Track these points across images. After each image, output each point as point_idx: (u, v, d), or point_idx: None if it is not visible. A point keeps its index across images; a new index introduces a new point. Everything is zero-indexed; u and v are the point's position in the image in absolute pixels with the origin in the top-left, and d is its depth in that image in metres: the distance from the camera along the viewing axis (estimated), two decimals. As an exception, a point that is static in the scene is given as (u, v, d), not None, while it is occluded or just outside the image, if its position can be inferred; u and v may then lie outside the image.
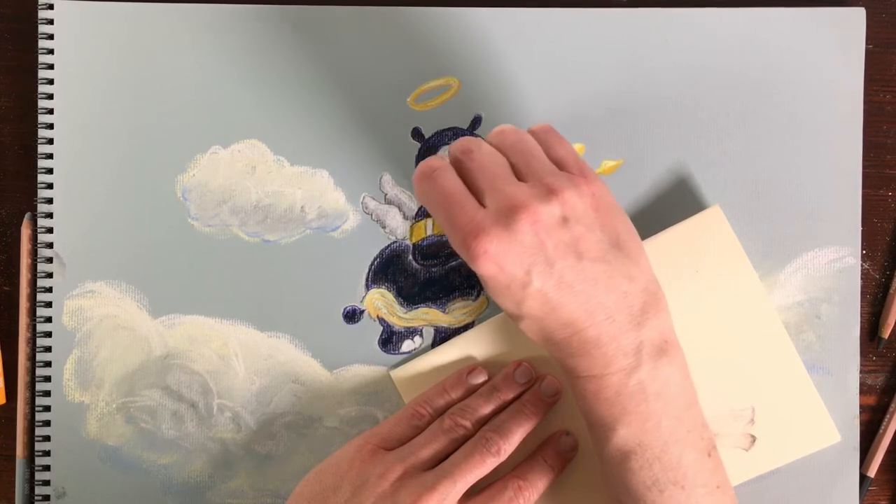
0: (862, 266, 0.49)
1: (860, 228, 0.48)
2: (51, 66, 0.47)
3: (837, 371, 0.48)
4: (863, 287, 0.48)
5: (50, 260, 0.47)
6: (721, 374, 0.47)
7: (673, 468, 0.39)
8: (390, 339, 0.48)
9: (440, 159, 0.40)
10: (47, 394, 0.47)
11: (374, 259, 0.48)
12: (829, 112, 0.48)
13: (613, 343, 0.38)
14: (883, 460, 0.49)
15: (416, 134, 0.48)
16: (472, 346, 0.47)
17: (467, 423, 0.44)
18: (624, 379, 0.39)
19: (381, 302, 0.48)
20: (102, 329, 0.48)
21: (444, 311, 0.48)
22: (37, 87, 0.48)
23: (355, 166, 0.48)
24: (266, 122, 0.48)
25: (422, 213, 0.48)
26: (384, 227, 0.48)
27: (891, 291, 0.49)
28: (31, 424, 0.48)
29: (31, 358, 0.48)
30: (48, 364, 0.47)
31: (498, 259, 0.37)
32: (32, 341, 0.48)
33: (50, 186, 0.47)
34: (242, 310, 0.48)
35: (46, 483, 0.47)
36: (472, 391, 0.46)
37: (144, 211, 0.48)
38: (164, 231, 0.48)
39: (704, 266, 0.47)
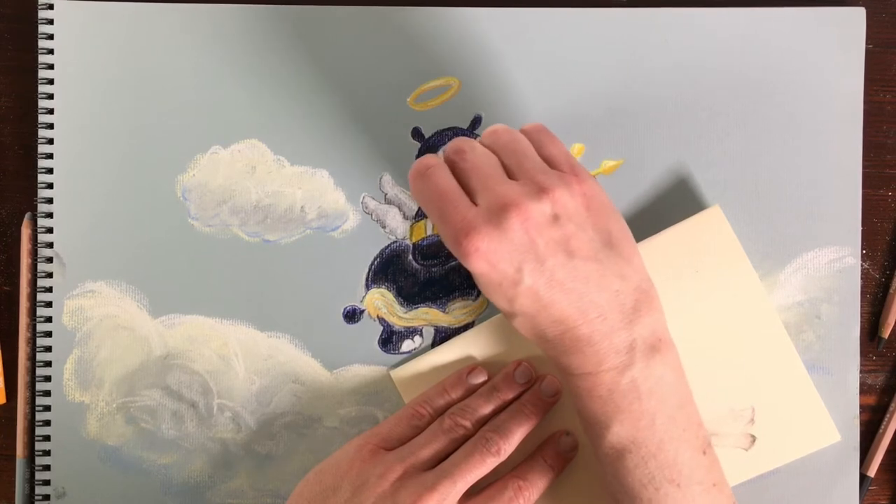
0: (862, 266, 0.49)
1: (860, 228, 0.48)
2: (51, 66, 0.47)
3: (837, 371, 0.48)
4: (863, 287, 0.48)
5: (50, 260, 0.47)
6: (721, 374, 0.47)
7: (668, 466, 0.39)
8: (390, 338, 0.48)
9: (435, 158, 0.41)
10: (47, 394, 0.47)
11: (374, 259, 0.48)
12: (829, 112, 0.48)
13: (605, 341, 0.39)
14: (883, 460, 0.49)
15: (416, 134, 0.48)
16: (472, 346, 0.47)
17: (467, 423, 0.44)
18: (617, 377, 0.39)
19: (381, 302, 0.48)
20: (102, 329, 0.48)
21: (444, 311, 0.48)
22: (37, 87, 0.48)
23: (355, 166, 0.48)
24: (266, 122, 0.48)
25: (422, 213, 0.48)
26: (384, 227, 0.48)
27: (891, 291, 0.49)
28: (31, 424, 0.48)
29: (31, 358, 0.48)
30: (48, 364, 0.47)
31: (489, 257, 0.38)
32: (32, 341, 0.48)
33: (50, 186, 0.47)
34: (242, 310, 0.48)
35: (46, 483, 0.47)
36: (472, 391, 0.46)
37: (144, 211, 0.48)
38: (164, 231, 0.48)
39: (704, 266, 0.47)
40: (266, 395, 0.48)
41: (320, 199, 0.48)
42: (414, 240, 0.48)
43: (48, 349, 0.47)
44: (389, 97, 0.48)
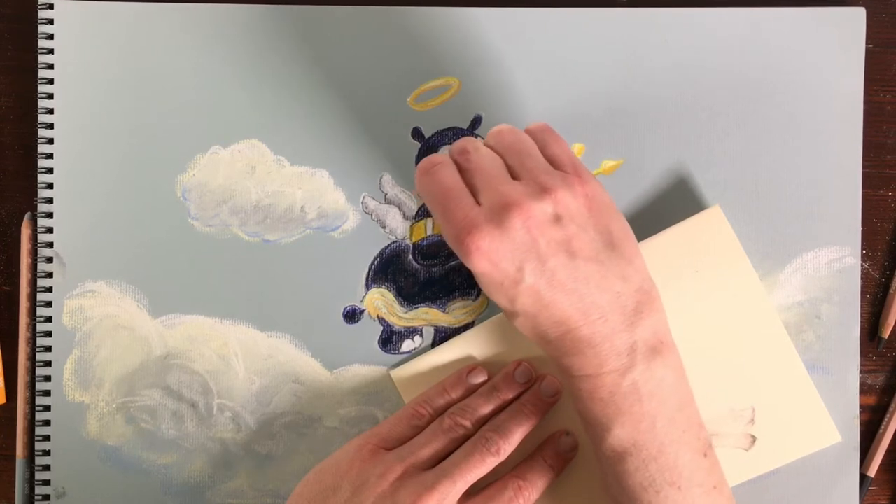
0: (862, 266, 0.49)
1: (860, 228, 0.48)
2: (51, 66, 0.47)
3: (837, 371, 0.48)
4: (863, 287, 0.48)
5: (50, 260, 0.47)
6: (721, 374, 0.47)
7: (669, 469, 0.39)
8: (390, 338, 0.48)
9: (443, 156, 0.41)
10: (47, 394, 0.47)
11: (374, 259, 0.48)
12: (829, 112, 0.48)
13: (607, 343, 0.39)
14: (883, 460, 0.49)
15: (416, 134, 0.48)
16: (472, 346, 0.47)
17: (467, 423, 0.44)
18: (618, 379, 0.39)
19: (381, 302, 0.48)
20: (102, 329, 0.48)
21: (444, 311, 0.48)
22: (37, 87, 0.48)
23: (355, 166, 0.48)
24: (266, 122, 0.48)
25: (422, 213, 0.48)
26: (384, 227, 0.48)
27: (891, 291, 0.49)
28: (31, 424, 0.48)
29: (31, 358, 0.48)
30: (48, 364, 0.47)
31: (490, 255, 0.38)
32: (32, 341, 0.48)
33: (50, 186, 0.47)
34: (242, 310, 0.48)
35: (46, 483, 0.47)
36: (472, 391, 0.46)
37: (144, 211, 0.48)
38: (164, 231, 0.48)
39: (704, 266, 0.47)
40: (266, 395, 0.48)
41: (320, 199, 0.48)
42: (414, 240, 0.48)
43: (48, 349, 0.47)
44: (389, 97, 0.48)
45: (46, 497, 0.47)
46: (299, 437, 0.48)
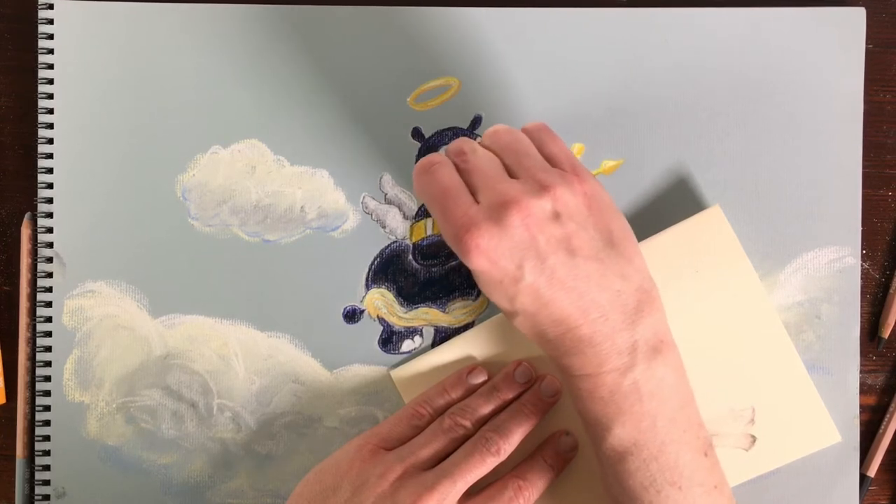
0: (862, 266, 0.49)
1: (860, 228, 0.48)
2: (51, 66, 0.47)
3: (837, 371, 0.48)
4: (863, 287, 0.48)
5: (50, 260, 0.47)
6: (721, 374, 0.47)
7: (670, 468, 0.39)
8: (390, 338, 0.48)
9: (441, 156, 0.41)
10: (47, 394, 0.47)
11: (374, 259, 0.48)
12: (829, 112, 0.48)
13: (607, 342, 0.38)
14: (883, 460, 0.49)
15: (416, 134, 0.48)
16: (472, 346, 0.47)
17: (467, 423, 0.44)
18: (618, 378, 0.39)
19: (381, 302, 0.48)
20: (102, 329, 0.48)
21: (444, 311, 0.48)
22: (37, 87, 0.48)
23: (355, 166, 0.48)
24: (266, 122, 0.48)
25: (422, 213, 0.48)
26: (384, 227, 0.48)
27: (891, 291, 0.49)
28: (31, 424, 0.48)
29: (31, 358, 0.48)
30: (48, 364, 0.47)
31: (489, 253, 0.37)
32: (32, 341, 0.48)
33: (50, 186, 0.47)
34: (242, 310, 0.48)
35: (46, 483, 0.47)
36: (472, 391, 0.46)
37: (144, 211, 0.48)
38: (164, 231, 0.48)
39: (704, 266, 0.47)
40: (266, 395, 0.48)
41: (320, 199, 0.48)
42: (414, 240, 0.48)
43: (48, 349, 0.47)
44: (389, 97, 0.48)
45: (46, 497, 0.47)
46: (299, 437, 0.48)
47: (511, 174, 0.40)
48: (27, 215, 0.48)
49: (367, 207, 0.48)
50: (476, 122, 0.48)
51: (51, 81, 0.47)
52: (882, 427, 0.49)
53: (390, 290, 0.48)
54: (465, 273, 0.48)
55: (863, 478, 0.49)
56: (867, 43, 0.48)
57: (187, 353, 0.48)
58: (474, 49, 0.48)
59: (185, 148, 0.48)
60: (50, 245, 0.48)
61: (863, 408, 0.49)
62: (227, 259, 0.48)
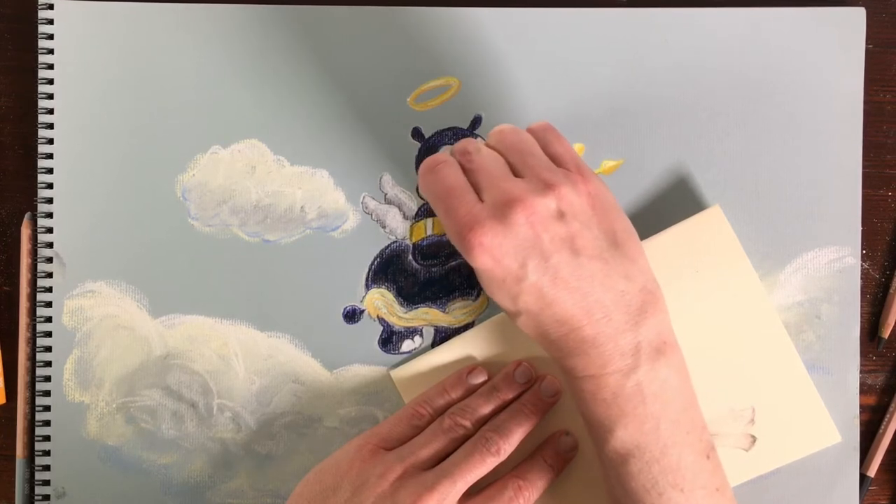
0: (862, 266, 0.49)
1: (860, 228, 0.48)
2: (51, 66, 0.47)
3: (837, 371, 0.48)
4: (863, 287, 0.48)
5: (50, 260, 0.47)
6: (721, 374, 0.47)
7: (672, 471, 0.39)
8: (390, 338, 0.48)
9: (446, 155, 0.41)
10: (47, 394, 0.47)
11: (374, 259, 0.48)
12: (829, 112, 0.48)
13: (611, 343, 0.38)
14: (883, 460, 0.49)
15: (416, 134, 0.48)
16: (472, 346, 0.47)
17: (467, 423, 0.44)
18: (621, 380, 0.39)
19: (381, 302, 0.48)
20: (102, 329, 0.48)
21: (444, 311, 0.48)
22: (37, 87, 0.48)
23: (355, 166, 0.48)
24: (266, 122, 0.48)
25: (422, 213, 0.48)
26: (384, 227, 0.48)
27: (891, 291, 0.49)
28: (31, 424, 0.48)
29: (31, 358, 0.48)
30: (48, 364, 0.47)
31: (493, 251, 0.37)
32: (32, 341, 0.48)
33: (50, 186, 0.47)
34: (242, 310, 0.48)
35: (46, 483, 0.47)
36: (472, 391, 0.46)
37: (144, 211, 0.48)
38: (164, 231, 0.48)
39: (704, 266, 0.47)
40: (266, 395, 0.48)
41: (320, 199, 0.48)
42: (414, 240, 0.48)
43: (48, 349, 0.47)
44: (389, 97, 0.48)
45: (46, 497, 0.47)
46: (299, 437, 0.48)
47: (516, 174, 0.40)
48: (27, 215, 0.48)
49: (367, 207, 0.48)
50: (476, 122, 0.48)
51: (51, 81, 0.47)
52: (882, 427, 0.49)
53: (390, 290, 0.48)
54: (465, 273, 0.48)
55: (863, 478, 0.49)
56: (867, 43, 0.48)
57: (187, 353, 0.48)
58: (474, 49, 0.48)
59: (185, 148, 0.48)
60: (50, 245, 0.47)
61: (863, 408, 0.49)
62: (227, 259, 0.48)
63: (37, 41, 0.48)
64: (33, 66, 0.48)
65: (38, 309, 0.48)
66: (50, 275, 0.47)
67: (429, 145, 0.48)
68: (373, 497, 0.41)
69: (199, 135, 0.48)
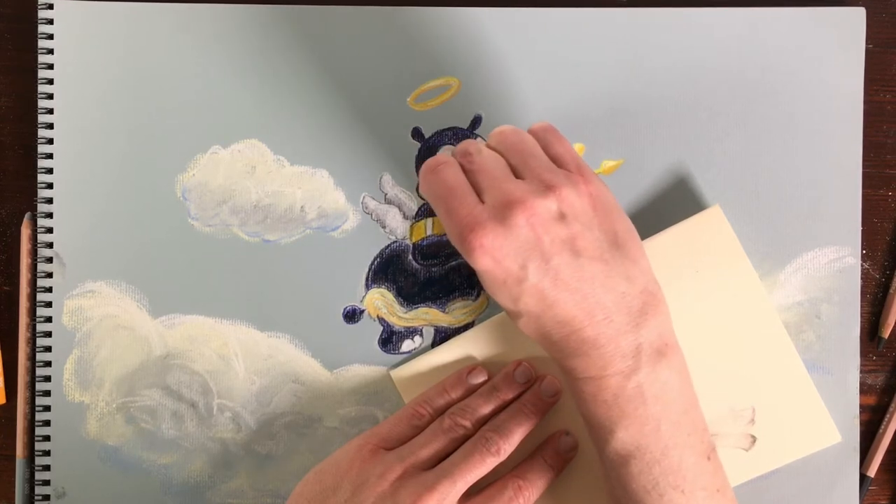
0: (862, 266, 0.49)
1: (860, 228, 0.48)
2: (51, 66, 0.47)
3: (837, 371, 0.48)
4: (863, 287, 0.48)
5: (50, 260, 0.47)
6: (721, 374, 0.47)
7: (673, 472, 0.39)
8: (390, 338, 0.48)
9: (447, 155, 0.41)
10: (47, 394, 0.47)
11: (374, 259, 0.48)
12: (829, 112, 0.48)
13: (611, 344, 0.38)
14: (883, 460, 0.49)
15: (416, 134, 0.48)
16: (472, 346, 0.47)
17: (467, 423, 0.44)
18: (622, 381, 0.39)
19: (381, 302, 0.48)
20: (102, 329, 0.48)
21: (444, 311, 0.48)
22: (37, 87, 0.48)
23: (355, 166, 0.48)
24: (266, 122, 0.48)
25: (422, 213, 0.48)
26: (384, 227, 0.48)
27: (891, 291, 0.49)
28: (31, 424, 0.48)
29: (31, 358, 0.48)
30: (48, 364, 0.47)
31: (494, 253, 0.37)
32: (32, 341, 0.48)
33: (50, 186, 0.47)
34: (242, 310, 0.48)
35: (46, 483, 0.47)
36: (472, 391, 0.46)
37: (144, 211, 0.48)
38: (164, 231, 0.48)
39: (704, 266, 0.47)
40: (266, 395, 0.48)
41: (320, 199, 0.48)
42: (414, 240, 0.48)
43: (48, 349, 0.47)
44: (389, 97, 0.48)
45: (46, 497, 0.47)
46: (299, 437, 0.48)
47: (517, 175, 0.40)
48: (27, 215, 0.48)
49: (367, 207, 0.48)
50: (476, 122, 0.48)
51: (51, 81, 0.47)
52: (882, 427, 0.49)
53: (390, 290, 0.48)
54: (465, 273, 0.48)
55: (863, 478, 0.49)
56: (867, 43, 0.48)
57: (187, 353, 0.48)
58: (474, 49, 0.48)
59: (185, 148, 0.48)
60: (50, 245, 0.47)
61: (863, 408, 0.49)
62: (227, 259, 0.48)
63: (37, 41, 0.48)
64: (33, 66, 0.48)
65: (38, 309, 0.48)
66: (50, 275, 0.47)
67: (429, 145, 0.48)
68: (373, 497, 0.41)
69: (198, 135, 0.48)
